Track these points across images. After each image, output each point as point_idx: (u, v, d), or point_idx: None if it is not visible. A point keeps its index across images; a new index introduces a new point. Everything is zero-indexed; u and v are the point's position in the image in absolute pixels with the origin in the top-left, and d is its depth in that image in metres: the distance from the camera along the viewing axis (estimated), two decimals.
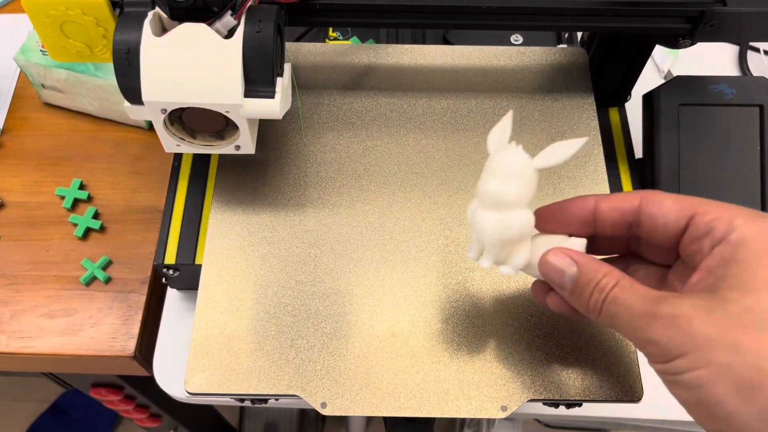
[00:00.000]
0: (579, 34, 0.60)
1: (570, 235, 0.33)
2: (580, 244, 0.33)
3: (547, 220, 0.33)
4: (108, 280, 0.52)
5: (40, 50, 0.56)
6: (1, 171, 0.58)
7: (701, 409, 0.25)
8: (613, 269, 0.30)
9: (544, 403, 0.40)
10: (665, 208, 0.30)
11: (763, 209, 0.45)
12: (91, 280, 0.52)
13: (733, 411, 0.24)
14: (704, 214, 0.29)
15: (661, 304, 0.27)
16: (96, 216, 0.55)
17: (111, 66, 0.36)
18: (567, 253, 0.31)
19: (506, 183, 0.30)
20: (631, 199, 0.31)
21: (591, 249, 0.33)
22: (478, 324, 0.40)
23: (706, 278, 0.28)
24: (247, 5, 0.36)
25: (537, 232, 0.33)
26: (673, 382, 0.26)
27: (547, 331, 0.40)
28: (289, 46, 0.51)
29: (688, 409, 0.26)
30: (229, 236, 0.43)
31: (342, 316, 0.40)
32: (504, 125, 0.31)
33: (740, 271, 0.26)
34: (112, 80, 0.54)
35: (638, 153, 0.49)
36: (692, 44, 0.42)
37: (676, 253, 0.31)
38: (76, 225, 0.54)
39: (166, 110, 0.36)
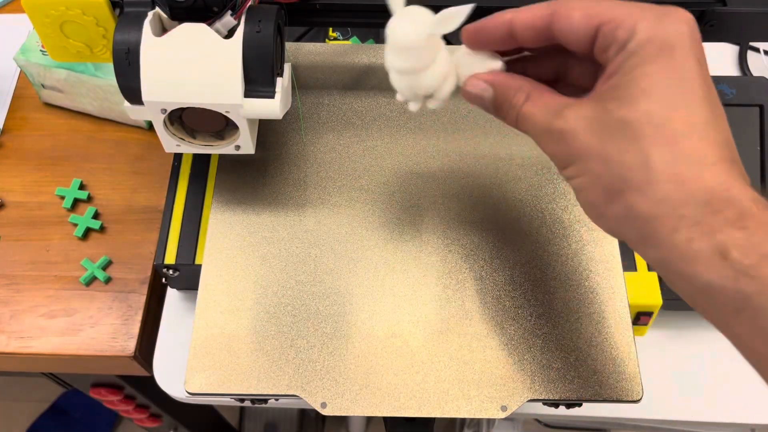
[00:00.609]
0: None
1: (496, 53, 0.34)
2: (497, 65, 0.34)
3: (473, 40, 0.33)
4: (108, 280, 0.52)
5: (40, 50, 0.56)
6: (1, 171, 0.58)
7: (586, 206, 0.29)
8: (525, 83, 0.31)
9: (544, 403, 0.40)
10: (574, 21, 0.29)
11: None
12: (91, 280, 0.52)
13: (603, 212, 0.28)
14: (609, 22, 0.28)
15: (556, 118, 0.29)
16: (96, 216, 0.55)
17: (111, 66, 0.36)
18: (481, 77, 0.33)
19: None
20: (542, 14, 0.30)
21: (522, 73, 0.33)
22: (478, 324, 0.40)
23: (600, 87, 0.29)
24: (247, 5, 0.36)
25: (444, 56, 0.34)
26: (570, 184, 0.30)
27: (547, 331, 0.40)
28: (289, 46, 0.51)
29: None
30: (229, 236, 0.43)
31: (342, 316, 0.40)
32: None
33: (625, 80, 0.27)
34: (112, 80, 0.54)
35: None
36: None
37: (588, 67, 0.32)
38: (76, 225, 0.54)
39: (166, 110, 0.36)
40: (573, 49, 0.30)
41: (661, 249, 0.26)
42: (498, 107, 0.32)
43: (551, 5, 0.30)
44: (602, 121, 0.27)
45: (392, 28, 0.32)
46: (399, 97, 0.35)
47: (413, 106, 0.35)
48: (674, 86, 0.27)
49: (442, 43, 0.33)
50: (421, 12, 0.32)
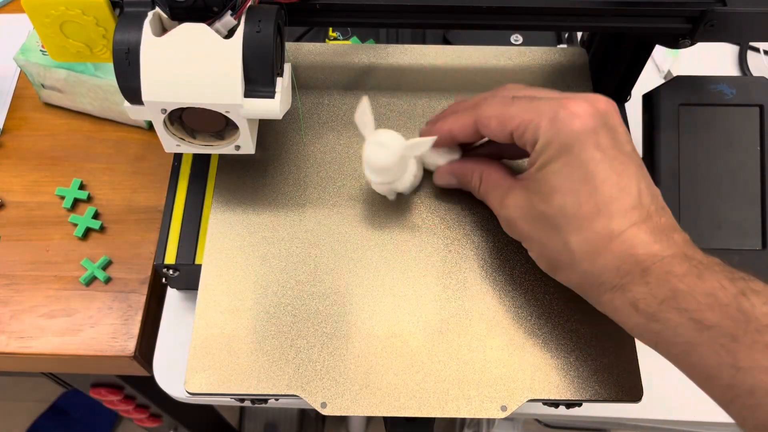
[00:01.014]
0: (579, 34, 0.60)
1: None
2: (455, 155, 0.43)
3: (438, 144, 0.40)
4: (108, 280, 0.52)
5: (40, 50, 0.56)
6: (1, 171, 0.58)
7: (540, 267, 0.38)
8: (477, 166, 0.40)
9: (544, 403, 0.40)
10: (492, 129, 0.37)
11: (763, 209, 0.45)
12: (91, 280, 0.52)
13: (551, 275, 0.37)
14: (517, 127, 0.35)
15: (502, 207, 0.38)
16: (96, 216, 0.55)
17: (111, 66, 0.36)
18: (444, 170, 0.42)
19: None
20: (469, 123, 0.39)
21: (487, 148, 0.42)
22: (478, 324, 0.40)
23: (526, 177, 0.36)
24: (247, 5, 0.36)
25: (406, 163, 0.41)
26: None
27: (547, 331, 0.40)
28: (289, 46, 0.51)
29: None
30: (229, 236, 0.43)
31: (342, 316, 0.40)
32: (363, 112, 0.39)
33: (540, 176, 0.34)
34: (112, 80, 0.54)
35: (638, 153, 0.49)
36: (692, 44, 0.42)
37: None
38: (76, 225, 0.54)
39: (166, 110, 0.36)
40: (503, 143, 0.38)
41: (596, 304, 0.35)
42: (464, 188, 0.42)
43: (473, 114, 0.38)
44: (531, 212, 0.35)
45: (369, 155, 0.39)
46: (375, 189, 0.43)
47: (390, 197, 0.44)
48: (577, 179, 0.33)
49: (412, 157, 0.42)
50: (392, 137, 0.39)
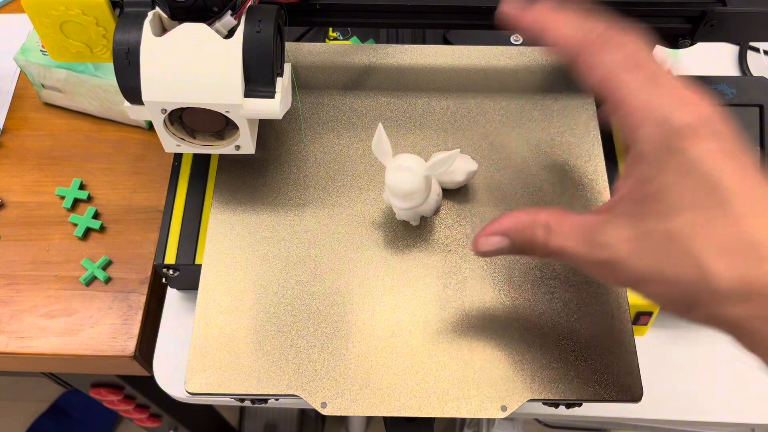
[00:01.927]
0: None
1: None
2: (473, 166, 0.42)
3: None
4: (108, 280, 0.52)
5: (40, 50, 0.56)
6: (1, 171, 0.58)
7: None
8: (537, 215, 0.31)
9: (544, 403, 0.40)
10: (593, 80, 0.30)
11: None
12: (91, 280, 0.52)
13: (687, 317, 0.27)
14: (621, 107, 0.28)
15: (597, 249, 0.28)
16: (96, 216, 0.55)
17: (111, 66, 0.36)
18: (491, 231, 0.32)
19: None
20: (574, 41, 0.31)
21: None
22: (478, 324, 0.40)
23: (625, 199, 0.28)
24: (247, 5, 0.36)
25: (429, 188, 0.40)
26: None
27: (546, 331, 0.40)
28: (289, 46, 0.51)
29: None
30: (229, 236, 0.43)
31: (342, 316, 0.40)
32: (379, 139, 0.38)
33: (651, 192, 0.27)
34: (112, 80, 0.54)
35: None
36: (692, 44, 0.42)
37: None
38: (76, 225, 0.54)
39: (166, 110, 0.36)
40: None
41: (756, 345, 0.26)
42: (521, 250, 0.32)
43: (584, 40, 0.30)
44: (647, 240, 0.27)
45: (394, 180, 0.38)
46: (399, 217, 0.42)
47: (414, 223, 0.42)
48: (702, 189, 0.26)
49: (432, 177, 0.40)
50: (414, 159, 0.38)
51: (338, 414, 0.38)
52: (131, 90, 0.36)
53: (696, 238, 0.25)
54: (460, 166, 0.42)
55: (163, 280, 0.47)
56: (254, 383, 0.38)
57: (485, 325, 0.40)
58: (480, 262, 0.42)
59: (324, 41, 0.61)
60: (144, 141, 0.59)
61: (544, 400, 0.39)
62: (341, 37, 0.61)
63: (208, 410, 1.04)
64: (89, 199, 0.56)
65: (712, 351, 0.50)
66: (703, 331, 0.51)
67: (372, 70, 0.50)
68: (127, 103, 0.37)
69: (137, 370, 0.52)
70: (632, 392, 0.38)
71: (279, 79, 0.37)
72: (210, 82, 0.35)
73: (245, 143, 0.39)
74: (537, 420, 0.77)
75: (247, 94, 0.36)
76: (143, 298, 0.52)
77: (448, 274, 0.42)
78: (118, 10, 0.38)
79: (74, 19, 0.38)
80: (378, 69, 0.50)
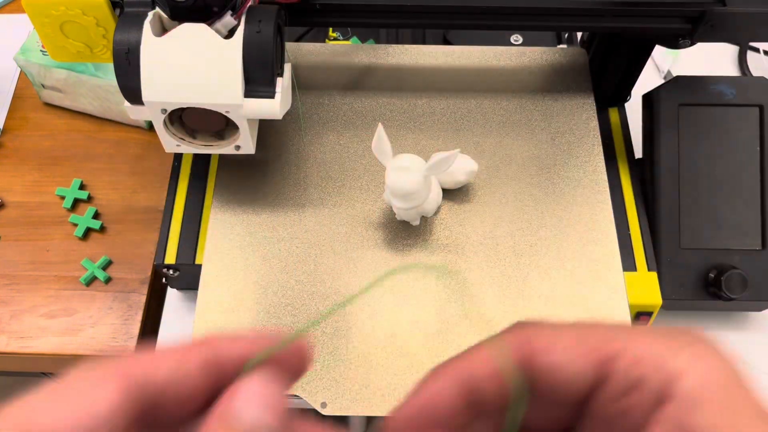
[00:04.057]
0: (579, 34, 0.60)
1: None
2: (473, 166, 0.43)
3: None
4: (108, 280, 0.52)
5: (40, 50, 0.56)
6: (1, 171, 0.58)
7: None
8: None
9: None
10: (561, 355, 0.19)
11: (762, 209, 0.45)
12: (91, 280, 0.52)
13: None
14: (623, 356, 0.18)
15: None
16: (96, 216, 0.55)
17: (111, 66, 0.36)
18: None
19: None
20: (602, 341, 0.19)
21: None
22: (478, 324, 0.40)
23: None
24: (247, 5, 0.36)
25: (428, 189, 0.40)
26: None
27: None
28: (289, 46, 0.51)
29: None
30: (229, 236, 0.43)
31: (342, 316, 0.40)
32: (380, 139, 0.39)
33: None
34: (112, 80, 0.54)
35: (638, 153, 0.49)
36: (692, 44, 0.42)
37: (576, 411, 0.20)
38: (76, 225, 0.54)
39: (166, 110, 0.36)
40: (553, 397, 0.19)
41: None
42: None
43: (510, 338, 0.20)
44: None
45: (394, 180, 0.38)
46: (399, 217, 0.42)
47: (414, 223, 0.42)
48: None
49: (432, 177, 0.40)
50: (414, 159, 0.38)
51: (338, 414, 0.38)
52: (131, 90, 0.36)
53: None
54: (460, 166, 0.42)
55: (163, 280, 0.47)
56: None
57: (485, 326, 0.40)
58: (480, 262, 0.42)
59: (324, 41, 0.61)
60: (144, 141, 0.59)
61: None
62: (341, 37, 0.61)
63: None
64: (89, 199, 0.56)
65: None
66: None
67: (372, 70, 0.50)
68: (127, 103, 0.37)
69: None
70: None
71: (279, 79, 0.37)
72: (210, 83, 0.35)
73: (245, 143, 0.39)
74: None
75: (247, 94, 0.36)
76: (143, 298, 0.52)
77: (448, 275, 0.42)
78: (118, 10, 0.38)
79: (74, 19, 0.38)
80: (378, 69, 0.50)
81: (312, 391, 0.38)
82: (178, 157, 0.48)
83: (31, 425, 0.16)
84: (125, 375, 0.17)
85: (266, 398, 0.18)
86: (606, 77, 0.50)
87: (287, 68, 0.39)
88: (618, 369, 0.18)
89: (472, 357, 0.20)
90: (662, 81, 0.51)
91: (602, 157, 0.46)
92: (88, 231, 0.54)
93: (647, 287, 0.44)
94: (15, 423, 0.16)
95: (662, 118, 0.45)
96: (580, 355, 0.18)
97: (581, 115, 0.48)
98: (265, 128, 0.47)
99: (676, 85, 0.46)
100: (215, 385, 0.18)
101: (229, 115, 0.37)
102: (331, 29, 0.61)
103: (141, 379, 0.17)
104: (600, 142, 0.47)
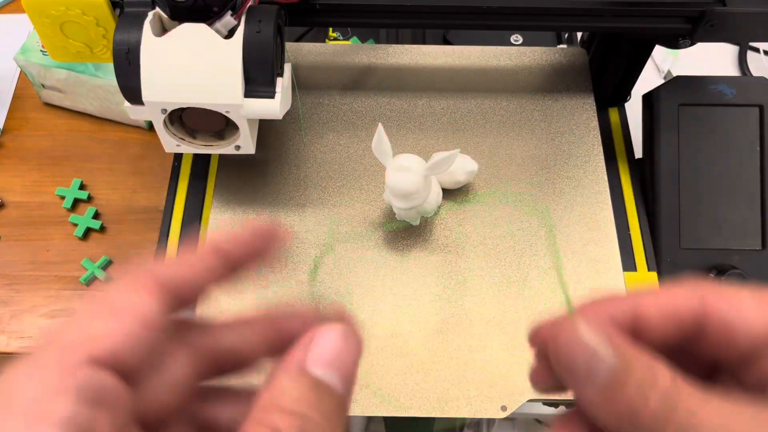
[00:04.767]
0: (579, 34, 0.60)
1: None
2: (473, 166, 0.43)
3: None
4: (108, 280, 0.52)
5: (40, 50, 0.56)
6: (1, 171, 0.58)
7: None
8: (658, 361, 0.19)
9: (544, 403, 0.40)
10: (745, 313, 0.19)
11: (762, 209, 0.45)
12: (91, 280, 0.52)
13: None
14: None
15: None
16: (96, 216, 0.55)
17: (111, 66, 0.36)
18: (601, 327, 0.19)
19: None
20: (686, 298, 0.20)
21: None
22: (479, 324, 0.40)
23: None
24: (247, 5, 0.36)
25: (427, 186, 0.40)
26: None
27: None
28: (289, 46, 0.51)
29: None
30: None
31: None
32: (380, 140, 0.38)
33: None
34: (112, 80, 0.54)
35: (638, 153, 0.49)
36: (692, 44, 0.42)
37: (733, 369, 0.20)
38: (76, 225, 0.54)
39: (166, 110, 0.36)
40: (721, 352, 0.20)
41: None
42: (621, 384, 0.18)
43: (696, 289, 0.20)
44: None
45: (394, 181, 0.38)
46: (399, 217, 0.42)
47: (414, 223, 0.42)
48: None
49: (432, 177, 0.40)
50: (414, 159, 0.38)
51: None
52: (131, 90, 0.36)
53: None
54: (460, 166, 0.42)
55: None
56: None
57: (485, 326, 0.40)
58: (480, 262, 0.42)
59: (324, 41, 0.61)
60: (144, 141, 0.59)
61: (544, 400, 0.39)
62: (341, 37, 0.61)
63: None
64: (89, 199, 0.56)
65: None
66: None
67: (372, 70, 0.50)
68: (127, 103, 0.37)
69: None
70: None
71: (279, 79, 0.37)
72: (210, 83, 0.35)
73: (245, 143, 0.39)
74: (537, 420, 0.77)
75: (247, 94, 0.36)
76: None
77: (448, 274, 0.42)
78: (118, 10, 0.38)
79: (74, 19, 0.38)
80: (378, 69, 0.50)
81: None
82: (178, 157, 0.48)
83: (88, 339, 0.17)
84: (157, 281, 0.19)
85: (341, 354, 0.21)
86: (606, 77, 0.50)
87: (287, 68, 0.39)
88: (711, 321, 0.19)
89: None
90: (662, 81, 0.51)
91: (602, 157, 0.46)
92: (88, 231, 0.54)
93: (647, 287, 0.44)
94: (73, 339, 0.17)
95: (662, 118, 0.45)
96: (761, 316, 0.19)
97: (581, 115, 0.48)
98: (265, 128, 0.47)
99: (676, 85, 0.46)
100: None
101: (229, 115, 0.37)
102: (331, 29, 0.61)
103: (170, 283, 0.19)
104: (600, 142, 0.47)
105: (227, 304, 0.41)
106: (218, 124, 0.39)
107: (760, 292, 0.19)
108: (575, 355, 0.19)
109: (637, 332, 0.20)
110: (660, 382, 0.18)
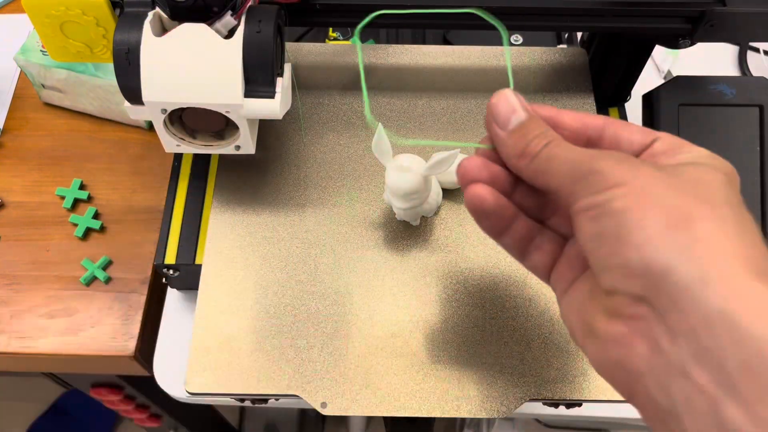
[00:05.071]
0: (579, 34, 0.60)
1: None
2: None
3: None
4: (108, 280, 0.52)
5: (41, 50, 0.56)
6: (1, 171, 0.58)
7: (613, 238, 0.24)
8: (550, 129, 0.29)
9: (544, 403, 0.40)
10: (629, 134, 0.28)
11: (762, 209, 0.45)
12: (91, 280, 0.52)
13: (652, 236, 0.23)
14: (609, 126, 0.29)
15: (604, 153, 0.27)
16: (96, 216, 0.55)
17: (111, 66, 0.36)
18: (523, 100, 0.30)
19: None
20: (594, 118, 0.30)
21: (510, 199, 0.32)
22: (479, 324, 0.40)
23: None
24: (247, 5, 0.36)
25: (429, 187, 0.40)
26: (600, 213, 0.24)
27: (546, 331, 0.40)
28: (289, 46, 0.51)
29: (595, 243, 0.25)
30: (229, 236, 0.43)
31: (342, 316, 0.40)
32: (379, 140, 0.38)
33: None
34: (112, 80, 0.54)
35: None
36: (692, 44, 0.42)
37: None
38: (76, 225, 0.54)
39: (166, 110, 0.36)
40: None
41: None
42: (524, 131, 0.29)
43: (601, 117, 0.30)
44: (671, 176, 0.25)
45: (393, 180, 0.38)
46: (399, 217, 0.42)
47: (414, 223, 0.42)
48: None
49: (432, 177, 0.40)
50: (413, 159, 0.38)
51: (338, 414, 0.38)
52: (131, 90, 0.36)
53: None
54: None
55: (163, 280, 0.47)
56: (254, 383, 0.38)
57: (485, 325, 0.40)
58: (480, 262, 0.42)
59: (324, 41, 0.61)
60: (144, 141, 0.59)
61: (544, 400, 0.39)
62: (341, 37, 0.61)
63: (208, 410, 1.04)
64: (89, 199, 0.56)
65: None
66: None
67: (372, 70, 0.50)
68: (127, 103, 0.37)
69: (137, 370, 0.52)
70: None
71: (279, 79, 0.37)
72: (210, 83, 0.35)
73: (245, 143, 0.39)
74: (537, 420, 0.77)
75: (248, 94, 0.36)
76: (143, 298, 0.52)
77: (448, 274, 0.42)
78: (118, 10, 0.38)
79: (74, 19, 0.38)
80: (378, 69, 0.50)
81: (312, 391, 0.38)
82: (178, 157, 0.48)
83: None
84: None
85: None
86: (606, 77, 0.50)
87: (287, 68, 0.39)
88: (607, 132, 0.29)
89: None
90: (662, 81, 0.51)
91: None
92: (88, 231, 0.54)
93: None
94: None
95: (662, 118, 0.45)
96: (640, 132, 0.28)
97: None
98: (265, 128, 0.47)
99: (676, 85, 0.46)
100: None
101: (229, 115, 0.37)
102: (331, 29, 0.61)
103: None
104: None
105: (227, 304, 0.41)
106: (218, 124, 0.39)
107: (643, 128, 0.29)
108: (502, 106, 0.30)
109: (554, 127, 0.30)
110: (547, 135, 0.28)
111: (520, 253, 0.32)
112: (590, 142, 0.29)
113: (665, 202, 0.23)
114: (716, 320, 0.21)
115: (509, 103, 0.30)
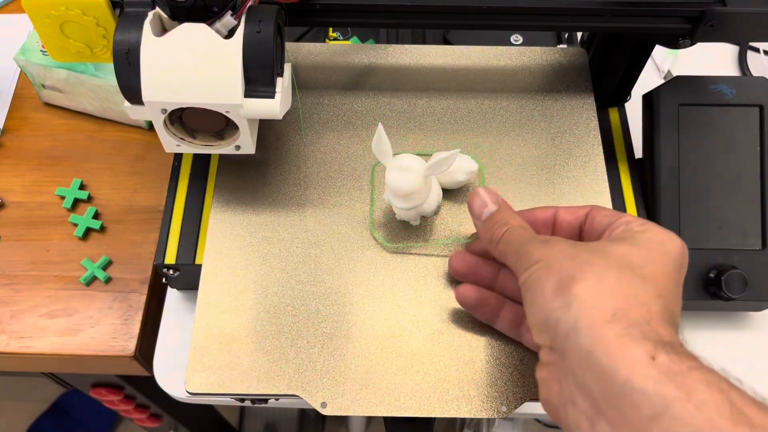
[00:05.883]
0: (579, 34, 0.60)
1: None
2: (473, 167, 0.43)
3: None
4: (108, 280, 0.52)
5: (41, 50, 0.56)
6: (1, 171, 0.58)
7: (531, 303, 0.31)
8: (517, 216, 0.37)
9: None
10: (601, 218, 0.35)
11: (762, 209, 0.45)
12: (91, 280, 0.52)
13: (548, 298, 0.30)
14: (593, 215, 0.36)
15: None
16: (96, 216, 0.55)
17: (111, 66, 0.36)
18: (494, 194, 0.38)
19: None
20: (584, 209, 0.37)
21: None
22: (479, 324, 0.40)
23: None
24: (247, 5, 0.36)
25: (428, 188, 0.40)
26: (526, 285, 0.32)
27: None
28: (289, 46, 0.51)
29: (527, 308, 0.32)
30: (229, 236, 0.43)
31: (342, 316, 0.40)
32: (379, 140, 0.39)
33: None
34: (112, 80, 0.54)
35: (638, 153, 0.49)
36: (692, 44, 0.42)
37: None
38: (76, 225, 0.54)
39: (166, 110, 0.36)
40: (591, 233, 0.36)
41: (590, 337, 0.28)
42: (492, 222, 0.36)
43: (588, 206, 0.37)
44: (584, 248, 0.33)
45: (394, 180, 0.38)
46: (399, 217, 0.43)
47: (414, 223, 0.43)
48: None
49: (433, 177, 0.40)
50: (414, 159, 0.38)
51: (338, 414, 0.38)
52: (131, 90, 0.36)
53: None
54: (460, 166, 0.42)
55: (163, 280, 0.47)
56: (254, 383, 0.38)
57: (485, 325, 0.40)
58: None
59: (324, 41, 0.61)
60: (144, 141, 0.59)
61: None
62: (341, 37, 0.61)
63: (208, 410, 1.04)
64: (89, 199, 0.56)
65: (711, 351, 0.50)
66: (703, 331, 0.51)
67: (372, 70, 0.50)
68: (127, 103, 0.37)
69: (137, 370, 0.52)
70: None
71: (279, 79, 0.37)
72: (210, 82, 0.35)
73: (245, 143, 0.39)
74: (537, 420, 0.77)
75: (248, 94, 0.36)
76: (143, 298, 0.52)
77: (448, 274, 0.42)
78: (118, 10, 0.38)
79: (74, 19, 0.38)
80: (378, 69, 0.50)
81: (312, 391, 0.38)
82: (178, 157, 0.48)
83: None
84: None
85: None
86: (606, 77, 0.50)
87: (287, 68, 0.39)
88: (591, 219, 0.35)
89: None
90: (662, 81, 0.51)
91: (602, 157, 0.47)
92: (88, 231, 0.54)
93: None
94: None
95: (662, 118, 0.45)
96: (608, 215, 0.35)
97: (581, 115, 0.48)
98: (265, 128, 0.47)
99: (676, 85, 0.46)
100: None
101: (229, 115, 0.37)
102: (331, 29, 0.61)
103: None
104: (600, 142, 0.47)
105: (227, 304, 0.41)
106: (218, 124, 0.39)
107: (618, 213, 0.35)
108: (476, 202, 0.37)
109: (556, 224, 0.37)
110: (507, 223, 0.35)
111: (515, 335, 0.38)
112: (581, 228, 0.36)
113: (560, 269, 0.30)
114: (585, 360, 0.27)
115: (482, 199, 0.37)
